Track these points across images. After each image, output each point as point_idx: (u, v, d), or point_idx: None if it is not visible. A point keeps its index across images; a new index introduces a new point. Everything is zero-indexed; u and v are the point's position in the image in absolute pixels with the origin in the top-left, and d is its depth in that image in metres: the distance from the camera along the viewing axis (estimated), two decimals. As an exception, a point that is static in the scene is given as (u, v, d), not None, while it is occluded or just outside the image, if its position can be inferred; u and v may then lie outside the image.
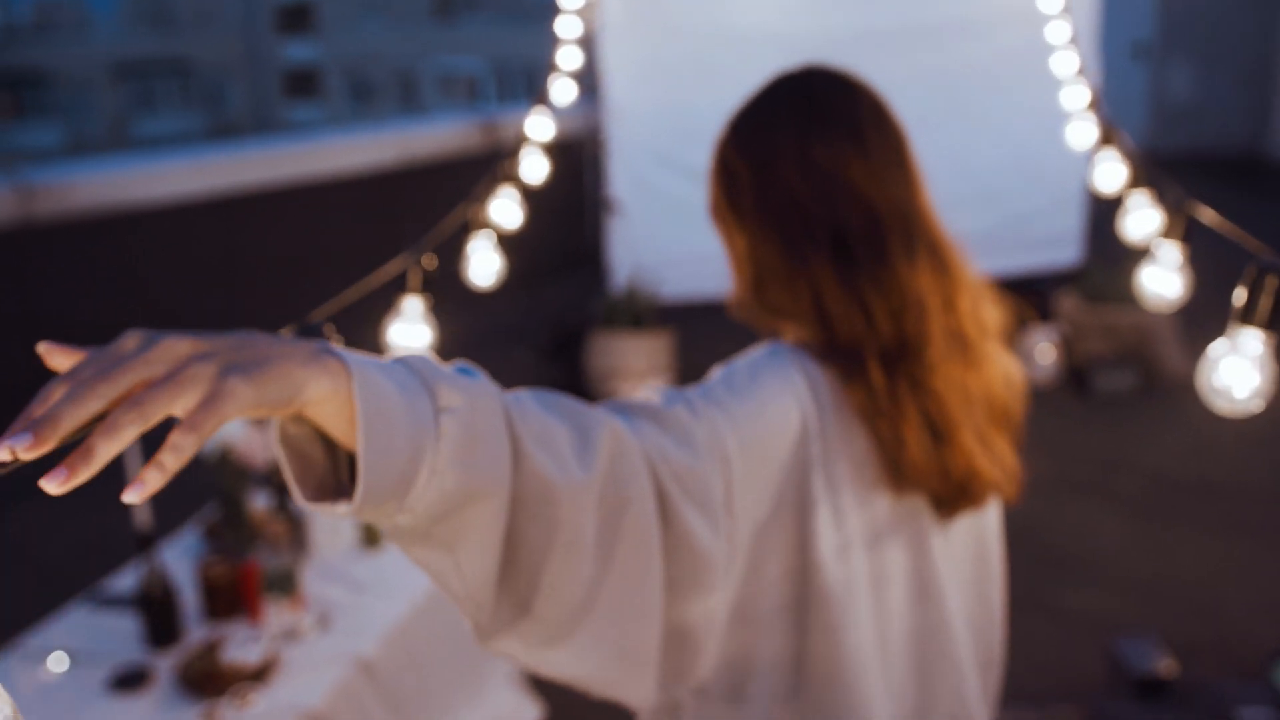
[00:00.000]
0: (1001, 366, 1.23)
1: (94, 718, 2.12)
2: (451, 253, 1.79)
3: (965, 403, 1.15)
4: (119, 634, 2.36)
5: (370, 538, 2.66)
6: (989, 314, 1.23)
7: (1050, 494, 4.44)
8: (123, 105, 32.02)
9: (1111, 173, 1.93)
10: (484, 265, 1.76)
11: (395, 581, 2.53)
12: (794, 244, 1.16)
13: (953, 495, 1.15)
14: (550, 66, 2.81)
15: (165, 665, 2.24)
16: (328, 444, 0.73)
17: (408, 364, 0.72)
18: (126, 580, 2.56)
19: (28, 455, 0.52)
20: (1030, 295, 6.26)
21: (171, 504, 2.87)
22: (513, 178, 2.17)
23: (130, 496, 0.54)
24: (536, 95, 2.65)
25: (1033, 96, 5.92)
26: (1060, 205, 6.45)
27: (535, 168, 2.37)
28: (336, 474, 0.74)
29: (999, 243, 6.33)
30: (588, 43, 2.78)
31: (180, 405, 0.56)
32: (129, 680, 2.19)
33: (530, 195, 2.25)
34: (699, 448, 0.95)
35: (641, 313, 5.41)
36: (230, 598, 2.39)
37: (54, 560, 4.01)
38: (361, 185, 6.15)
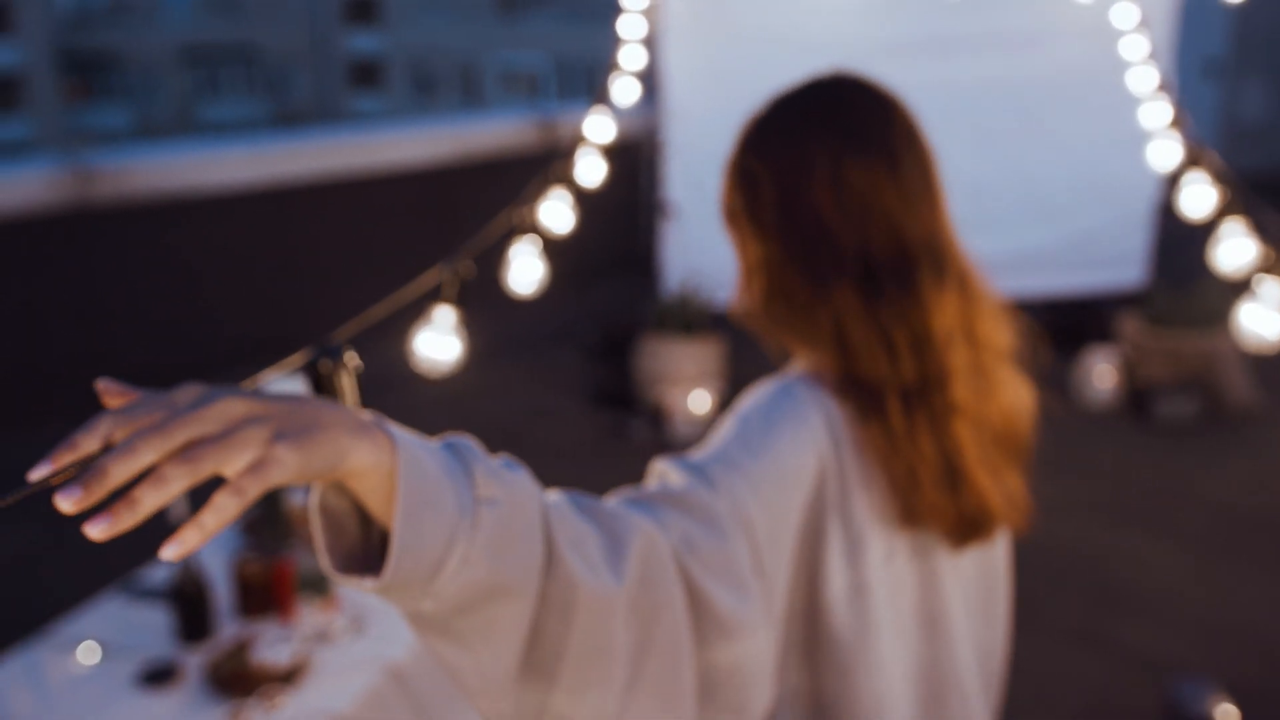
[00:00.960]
0: (1015, 392, 1.20)
1: (121, 712, 2.09)
2: (500, 254, 1.74)
3: (980, 437, 1.13)
4: (151, 627, 2.33)
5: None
6: (1005, 336, 1.19)
7: (1106, 524, 4.32)
8: (189, 90, 32.49)
9: (1199, 196, 1.83)
10: (525, 272, 1.71)
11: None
12: (818, 270, 1.12)
13: (964, 532, 1.12)
14: (611, 66, 2.76)
15: (195, 662, 2.21)
16: (363, 518, 0.73)
17: (455, 449, 0.73)
18: (162, 572, 2.53)
19: (74, 509, 0.52)
20: (1091, 315, 6.11)
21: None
22: (566, 180, 2.11)
23: (168, 553, 0.55)
24: (596, 95, 2.60)
25: (1099, 111, 5.79)
26: (1125, 223, 6.28)
27: (591, 170, 2.31)
28: (367, 548, 0.73)
29: (1060, 260, 6.19)
30: (649, 43, 2.72)
31: (229, 466, 0.57)
32: (158, 676, 2.16)
33: (584, 196, 2.20)
34: (723, 525, 0.93)
35: (693, 318, 5.34)
36: (264, 596, 2.36)
37: (95, 545, 4.01)
38: (416, 180, 6.13)
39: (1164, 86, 3.08)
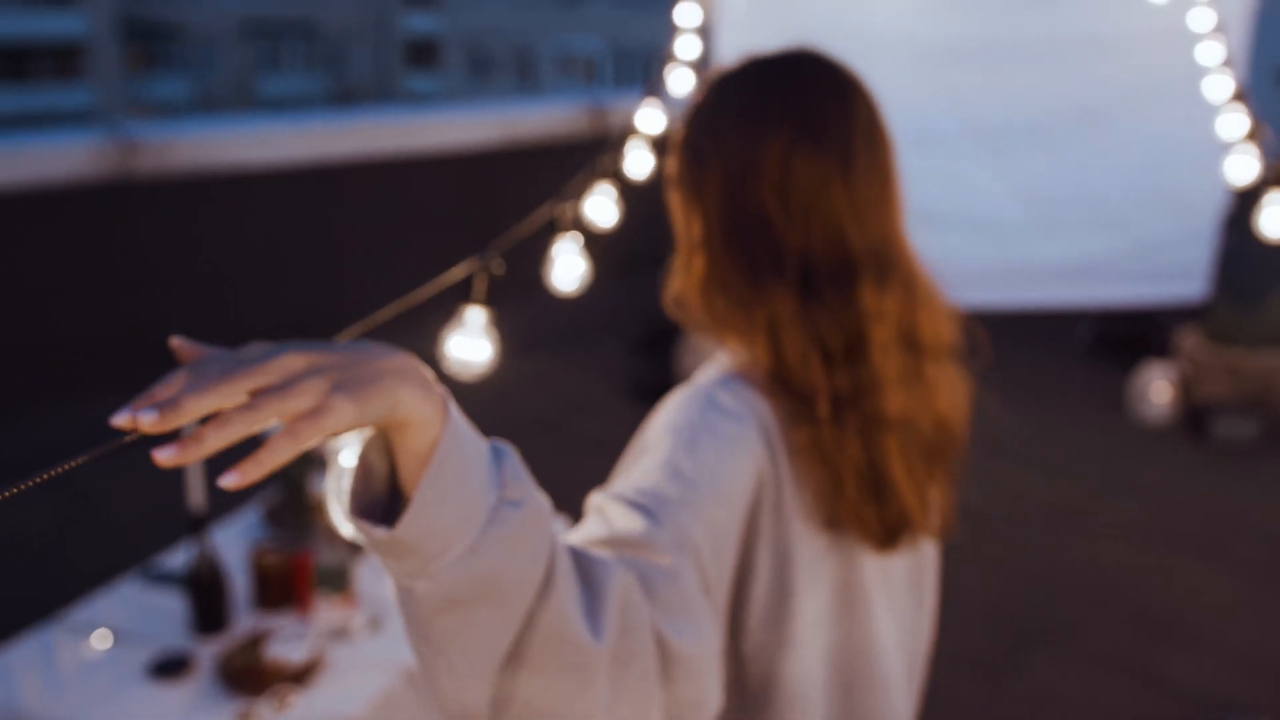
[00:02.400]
0: (951, 399, 1.17)
1: (129, 702, 2.04)
2: (543, 244, 1.68)
3: (909, 447, 1.11)
4: (167, 615, 2.28)
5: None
6: (948, 340, 1.18)
7: (1155, 547, 4.17)
8: (250, 64, 32.74)
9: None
10: (568, 269, 1.66)
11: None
12: (757, 267, 1.09)
13: (885, 540, 1.11)
14: (667, 56, 2.69)
15: (208, 654, 2.15)
16: (393, 488, 0.74)
17: (494, 449, 0.74)
18: (180, 558, 2.48)
19: (148, 429, 0.57)
20: (1149, 328, 5.94)
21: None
22: (615, 173, 2.06)
23: (226, 482, 0.58)
24: (649, 85, 2.52)
25: (1168, 119, 5.61)
26: (1190, 235, 6.09)
27: (640, 162, 2.23)
28: (388, 515, 0.74)
29: (1120, 271, 6.02)
30: (704, 33, 2.64)
31: (287, 414, 0.60)
32: (169, 667, 2.11)
33: (632, 188, 2.12)
34: (672, 560, 0.90)
35: (737, 315, 5.24)
36: (281, 588, 2.30)
37: (126, 525, 3.99)
38: (463, 163, 6.07)
39: (1240, 96, 2.95)
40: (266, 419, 0.59)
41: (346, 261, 5.67)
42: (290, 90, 32.66)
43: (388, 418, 0.64)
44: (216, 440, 0.58)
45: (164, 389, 0.59)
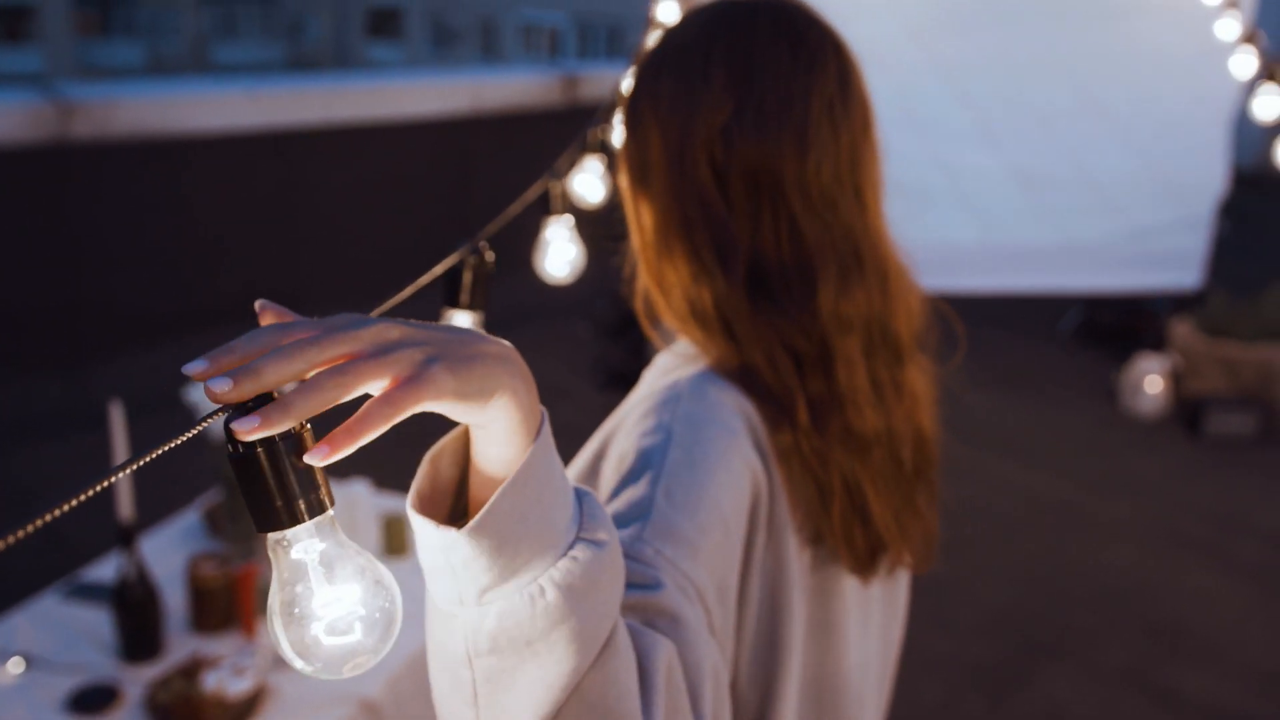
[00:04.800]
0: (927, 410, 1.06)
1: (46, 742, 1.78)
2: (522, 225, 1.48)
3: (884, 466, 0.99)
4: (91, 637, 2.03)
5: (394, 546, 2.29)
6: (924, 338, 1.06)
7: (1157, 549, 3.99)
8: (205, 29, 32.10)
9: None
10: (561, 256, 1.45)
11: (416, 604, 2.15)
12: (703, 260, 0.95)
13: (864, 563, 1.00)
14: (648, 22, 2.56)
15: (137, 684, 1.89)
16: (458, 502, 0.67)
17: (576, 487, 0.67)
18: (108, 570, 2.21)
19: (223, 400, 0.51)
20: (1143, 318, 5.78)
21: (170, 487, 2.51)
22: (601, 146, 1.88)
23: (314, 458, 0.52)
24: (633, 53, 2.34)
25: (1171, 101, 5.43)
26: (1188, 223, 5.93)
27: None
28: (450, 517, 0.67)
29: (1113, 257, 5.86)
30: (685, -1, 2.51)
31: (381, 383, 0.54)
32: (92, 700, 1.86)
33: (611, 159, 1.97)
34: (680, 618, 0.78)
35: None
36: (222, 607, 2.04)
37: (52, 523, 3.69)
38: (430, 131, 5.81)
39: (1270, 73, 2.82)
40: (358, 386, 0.53)
41: (306, 234, 5.41)
42: (247, 58, 32.07)
43: (485, 403, 0.57)
44: (304, 408, 0.51)
45: (245, 344, 0.52)
